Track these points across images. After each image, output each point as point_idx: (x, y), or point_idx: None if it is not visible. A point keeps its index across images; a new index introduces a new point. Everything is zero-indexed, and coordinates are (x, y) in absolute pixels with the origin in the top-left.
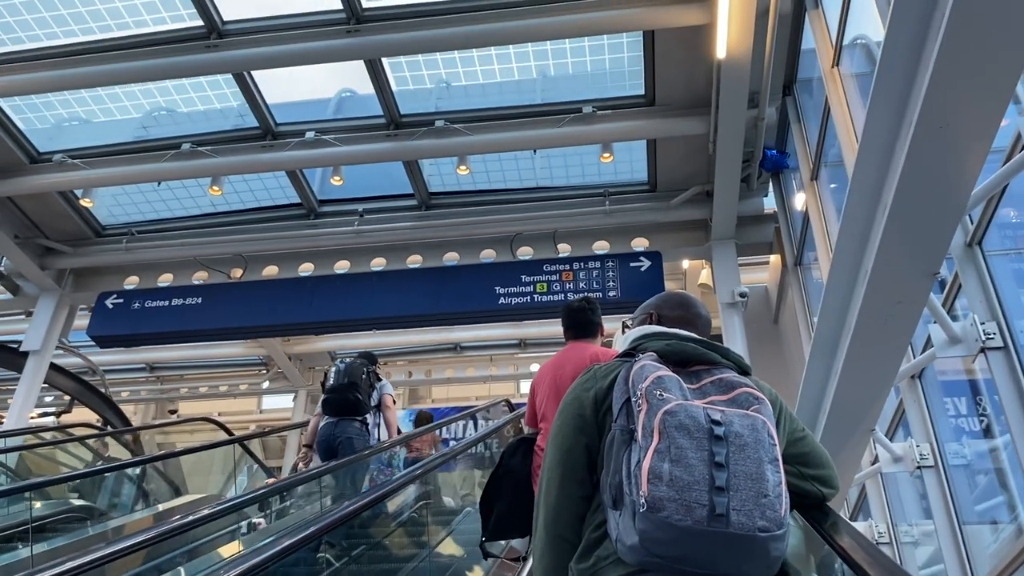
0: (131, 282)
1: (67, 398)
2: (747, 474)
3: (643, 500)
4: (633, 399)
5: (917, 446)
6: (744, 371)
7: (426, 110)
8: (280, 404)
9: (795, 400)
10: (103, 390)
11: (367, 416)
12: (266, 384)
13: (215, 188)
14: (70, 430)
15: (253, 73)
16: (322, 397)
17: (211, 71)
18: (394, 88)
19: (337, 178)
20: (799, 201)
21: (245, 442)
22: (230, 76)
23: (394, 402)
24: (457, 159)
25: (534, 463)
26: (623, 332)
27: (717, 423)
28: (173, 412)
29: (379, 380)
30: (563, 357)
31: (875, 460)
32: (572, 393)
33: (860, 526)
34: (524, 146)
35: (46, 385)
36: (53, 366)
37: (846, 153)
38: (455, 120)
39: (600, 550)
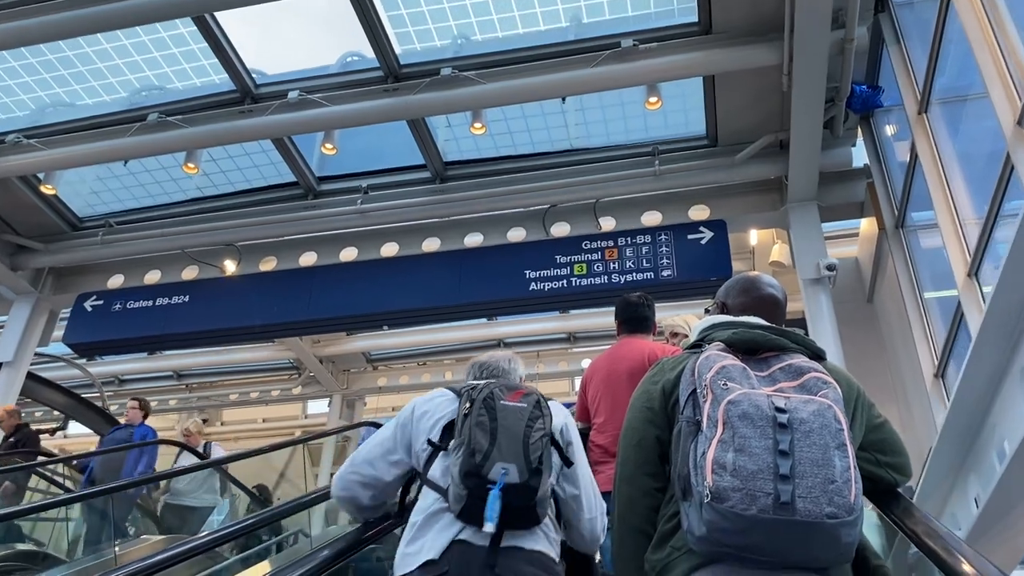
0: (116, 282)
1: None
2: (813, 460)
3: (708, 491)
4: (698, 390)
5: None
6: (817, 355)
7: (431, 58)
8: (323, 409)
9: (898, 389)
10: (101, 404)
11: None
12: (298, 389)
13: (190, 165)
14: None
15: (226, 30)
16: None
17: (167, 15)
18: (398, 49)
19: (329, 146)
20: (900, 147)
21: (235, 461)
22: (196, 30)
23: None
24: (471, 115)
25: (588, 458)
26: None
27: (781, 410)
28: (204, 422)
29: None
30: (617, 352)
31: None
32: (641, 387)
33: None
34: (551, 94)
35: (28, 400)
36: (39, 379)
37: (981, 53)
38: (465, 67)
39: (674, 541)
